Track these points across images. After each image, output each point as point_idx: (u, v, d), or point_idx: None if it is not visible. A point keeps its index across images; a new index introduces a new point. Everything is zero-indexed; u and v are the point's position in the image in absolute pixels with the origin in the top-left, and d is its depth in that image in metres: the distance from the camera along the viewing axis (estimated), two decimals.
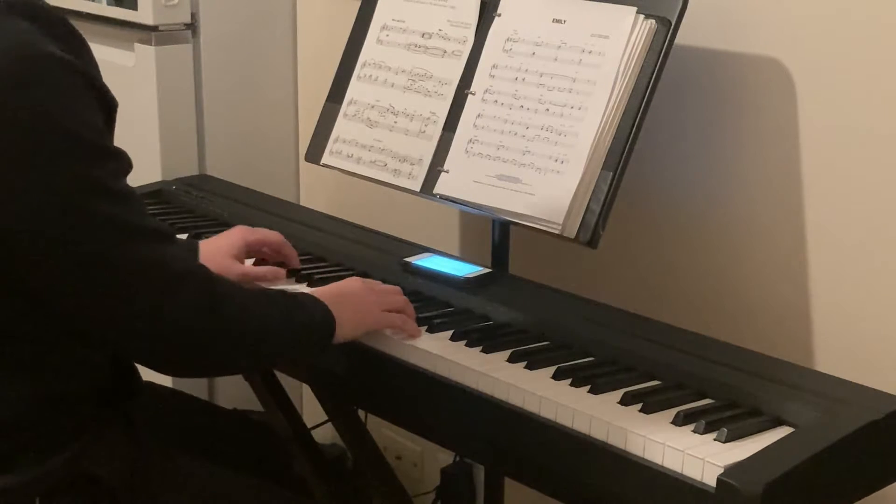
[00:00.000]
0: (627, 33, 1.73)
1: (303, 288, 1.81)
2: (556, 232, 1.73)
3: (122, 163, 1.38)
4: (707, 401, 1.48)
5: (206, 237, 2.04)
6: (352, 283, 1.66)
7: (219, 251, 1.78)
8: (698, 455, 1.32)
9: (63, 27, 1.35)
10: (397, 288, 1.72)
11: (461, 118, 1.88)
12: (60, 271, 1.32)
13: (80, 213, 1.31)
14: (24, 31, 1.30)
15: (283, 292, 1.55)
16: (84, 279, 1.33)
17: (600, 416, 1.42)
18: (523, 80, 1.82)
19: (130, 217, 1.35)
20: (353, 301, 1.60)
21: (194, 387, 2.41)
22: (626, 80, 1.72)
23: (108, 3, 2.43)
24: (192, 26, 2.45)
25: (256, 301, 1.48)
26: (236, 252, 1.79)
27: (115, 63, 2.41)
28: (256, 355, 1.53)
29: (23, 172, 1.28)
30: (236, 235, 1.82)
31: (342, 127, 2.03)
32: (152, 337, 1.38)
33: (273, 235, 1.86)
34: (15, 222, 1.29)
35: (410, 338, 1.64)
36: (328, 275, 1.86)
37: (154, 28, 2.38)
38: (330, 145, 2.04)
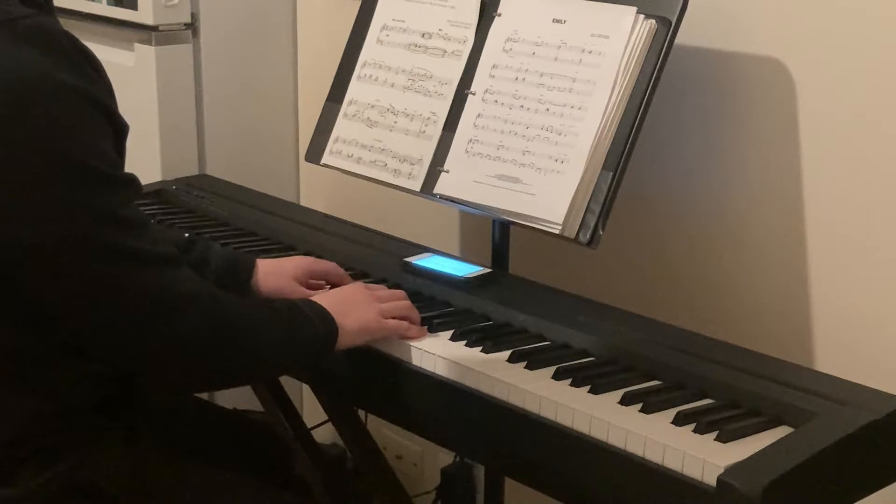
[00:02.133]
0: (627, 33, 1.73)
1: None
2: (556, 232, 1.73)
3: (132, 189, 1.39)
4: (707, 401, 1.48)
5: (206, 237, 2.05)
6: (354, 291, 1.66)
7: (284, 272, 1.77)
8: (698, 455, 1.32)
9: (75, 52, 1.34)
10: (401, 293, 1.71)
11: (461, 118, 1.88)
12: (68, 297, 1.34)
13: (88, 241, 1.31)
14: (34, 61, 1.29)
15: (287, 304, 1.56)
16: (91, 305, 1.34)
17: (600, 416, 1.42)
18: (523, 79, 1.82)
19: (138, 244, 1.35)
20: (355, 310, 1.60)
21: None
22: (626, 80, 1.72)
23: (108, 3, 2.43)
24: (192, 26, 2.45)
25: (261, 318, 1.49)
26: (300, 276, 1.77)
27: (115, 63, 2.41)
28: (260, 371, 1.58)
29: (33, 200, 1.29)
30: (303, 262, 1.81)
31: (342, 127, 2.03)
32: (158, 358, 1.40)
33: (336, 270, 1.82)
34: (24, 248, 1.30)
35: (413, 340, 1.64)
36: None
37: (154, 28, 2.38)
38: (330, 145, 2.04)
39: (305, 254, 1.97)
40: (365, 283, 1.75)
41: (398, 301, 1.67)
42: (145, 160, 2.41)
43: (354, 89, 2.03)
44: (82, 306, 1.34)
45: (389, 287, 1.77)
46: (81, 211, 1.31)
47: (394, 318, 1.64)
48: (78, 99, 1.30)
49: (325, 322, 1.54)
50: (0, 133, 1.27)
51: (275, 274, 1.76)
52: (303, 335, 1.52)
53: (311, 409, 2.53)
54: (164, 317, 1.37)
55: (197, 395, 1.95)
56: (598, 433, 1.41)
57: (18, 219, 1.29)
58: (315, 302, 1.57)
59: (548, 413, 1.46)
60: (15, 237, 1.29)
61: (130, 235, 1.35)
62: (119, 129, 1.38)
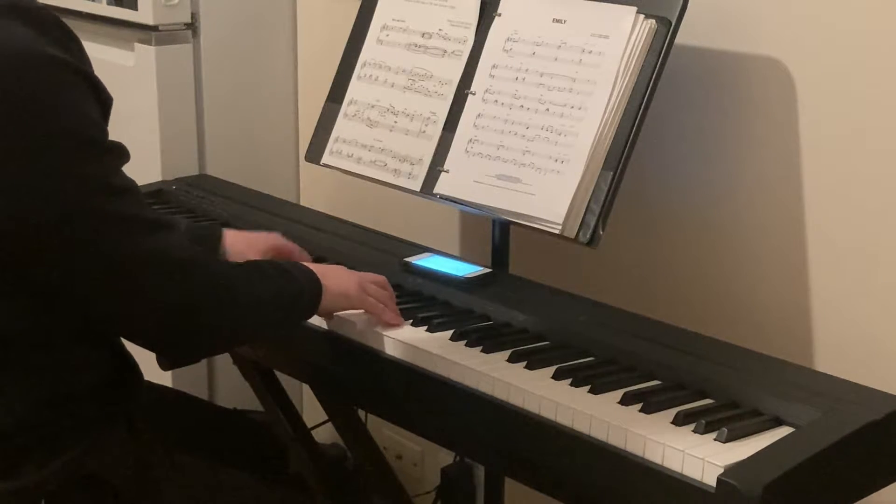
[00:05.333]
0: (627, 33, 1.73)
1: None
2: (556, 232, 1.73)
3: (121, 156, 1.40)
4: (707, 401, 1.48)
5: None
6: (337, 266, 1.72)
7: (252, 244, 1.80)
8: (698, 455, 1.32)
9: (56, 27, 1.36)
10: (383, 279, 1.73)
11: (461, 118, 1.88)
12: (65, 267, 1.35)
13: (83, 209, 1.33)
14: (20, 35, 1.31)
15: (275, 266, 1.59)
16: (89, 273, 1.35)
17: (600, 416, 1.42)
18: (523, 79, 1.82)
19: (131, 210, 1.37)
20: (338, 276, 1.66)
21: (194, 387, 2.42)
22: (626, 80, 1.72)
23: (108, 3, 2.43)
24: (192, 26, 2.45)
25: (253, 281, 1.52)
26: (267, 251, 1.80)
27: (115, 63, 2.41)
28: (253, 331, 1.60)
29: (26, 170, 1.30)
30: (271, 238, 1.84)
31: (342, 127, 2.03)
32: (160, 323, 1.41)
33: (300, 253, 1.85)
34: (19, 218, 1.31)
35: (388, 325, 1.67)
36: None
37: (154, 28, 2.38)
38: (330, 145, 2.04)
39: None
40: None
41: (377, 286, 1.70)
42: (145, 160, 2.41)
43: (354, 89, 2.03)
44: (83, 277, 1.35)
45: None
46: (76, 179, 1.32)
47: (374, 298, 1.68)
48: (64, 70, 1.32)
49: (309, 281, 1.59)
50: None
51: (242, 243, 1.79)
52: (290, 292, 1.56)
53: (311, 409, 2.53)
54: (162, 283, 1.39)
55: (197, 394, 1.95)
56: (598, 433, 1.41)
57: (14, 191, 1.30)
58: (300, 263, 1.61)
59: (548, 413, 1.46)
60: (12, 210, 1.30)
61: (124, 202, 1.37)
62: (104, 101, 1.39)
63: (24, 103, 1.29)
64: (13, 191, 1.30)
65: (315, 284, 1.60)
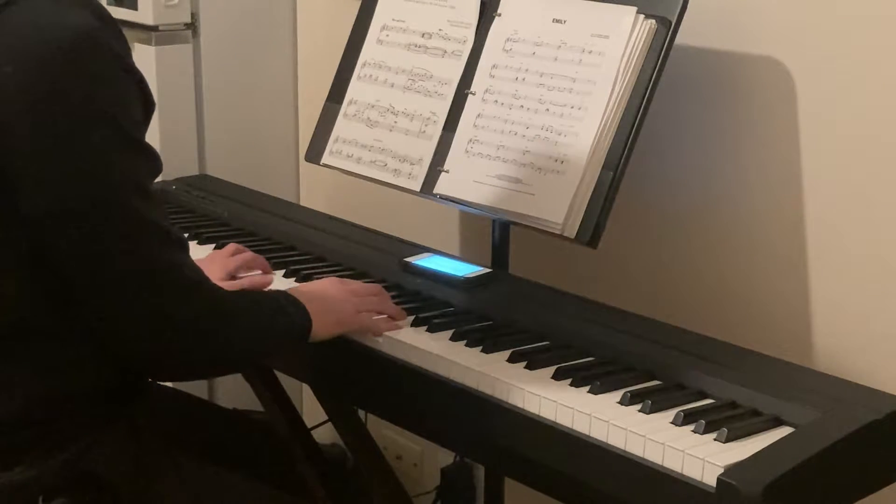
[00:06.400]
0: (627, 33, 1.73)
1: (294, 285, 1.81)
2: (556, 232, 1.73)
3: (155, 162, 1.43)
4: (707, 401, 1.48)
5: (207, 237, 2.05)
6: (329, 286, 1.69)
7: (213, 260, 1.82)
8: (698, 455, 1.32)
9: (118, 30, 1.40)
10: (377, 287, 1.73)
11: (461, 118, 1.88)
12: (85, 263, 1.35)
13: (110, 201, 1.34)
14: (92, 26, 1.34)
15: (267, 297, 1.59)
16: (104, 271, 1.36)
17: (600, 416, 1.42)
18: (523, 79, 1.82)
19: (156, 219, 1.39)
20: (329, 304, 1.63)
21: (194, 387, 2.41)
22: (626, 80, 1.72)
23: (108, 3, 2.43)
24: (192, 26, 2.45)
25: (247, 310, 1.52)
26: (225, 278, 1.79)
27: None
28: (242, 361, 1.63)
29: (64, 151, 1.31)
30: (218, 265, 1.82)
31: (342, 127, 2.03)
32: (158, 339, 1.40)
33: (250, 260, 1.85)
34: (49, 203, 1.32)
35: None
36: (327, 275, 1.85)
37: (154, 28, 2.38)
38: (330, 145, 2.04)
39: (304, 254, 1.97)
40: (356, 280, 1.77)
41: (372, 296, 1.69)
42: None
43: (354, 89, 2.03)
44: (93, 272, 1.36)
45: (389, 287, 1.78)
46: (108, 169, 1.34)
47: (368, 311, 1.67)
48: (121, 66, 1.36)
49: (300, 316, 1.57)
50: (48, 85, 1.30)
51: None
52: (281, 326, 1.56)
53: (311, 409, 2.53)
54: (169, 300, 1.39)
55: (197, 394, 1.95)
56: (598, 433, 1.41)
57: (54, 174, 1.31)
58: (291, 294, 1.60)
59: (548, 413, 1.46)
60: (43, 193, 1.32)
61: (149, 207, 1.38)
62: (148, 106, 1.43)
63: (78, 86, 1.32)
64: (46, 172, 1.31)
65: (305, 321, 1.57)
